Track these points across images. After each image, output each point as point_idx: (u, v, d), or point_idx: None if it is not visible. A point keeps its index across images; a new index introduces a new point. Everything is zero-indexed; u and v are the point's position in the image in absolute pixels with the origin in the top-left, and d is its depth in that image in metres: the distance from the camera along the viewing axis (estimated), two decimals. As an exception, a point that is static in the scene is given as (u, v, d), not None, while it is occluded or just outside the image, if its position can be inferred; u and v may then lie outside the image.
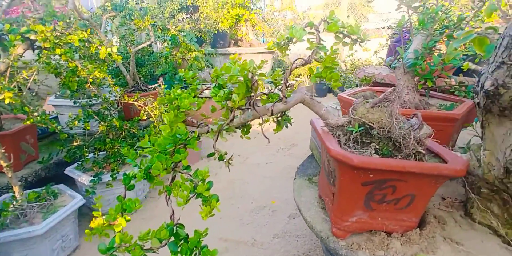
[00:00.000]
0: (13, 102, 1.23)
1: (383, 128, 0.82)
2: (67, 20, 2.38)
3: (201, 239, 0.79)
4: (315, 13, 8.03)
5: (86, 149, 1.83)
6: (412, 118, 0.85)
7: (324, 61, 0.77)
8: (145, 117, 2.03)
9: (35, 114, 1.48)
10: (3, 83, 1.31)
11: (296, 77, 5.80)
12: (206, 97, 1.02)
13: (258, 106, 0.85)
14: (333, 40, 0.83)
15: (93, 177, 1.78)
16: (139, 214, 2.06)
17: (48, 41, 1.57)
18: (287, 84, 0.80)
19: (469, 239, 0.87)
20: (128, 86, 2.82)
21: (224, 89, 0.82)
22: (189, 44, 3.00)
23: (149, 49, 3.29)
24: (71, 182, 1.93)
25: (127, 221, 0.84)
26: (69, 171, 1.92)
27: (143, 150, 0.82)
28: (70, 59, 1.71)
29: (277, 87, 0.91)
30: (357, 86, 3.68)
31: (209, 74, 3.83)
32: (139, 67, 3.11)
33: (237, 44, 4.51)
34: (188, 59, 3.10)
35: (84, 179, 1.81)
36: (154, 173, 0.78)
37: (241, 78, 0.72)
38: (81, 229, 1.82)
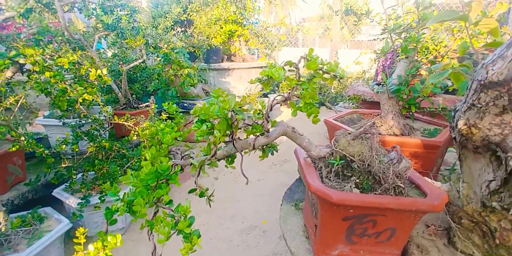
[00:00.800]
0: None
1: (363, 162, 0.84)
2: (60, 38, 2.41)
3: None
4: (309, 25, 8.19)
5: (74, 171, 1.82)
6: (391, 151, 0.86)
7: (304, 97, 0.79)
8: (135, 138, 2.03)
9: (22, 138, 1.48)
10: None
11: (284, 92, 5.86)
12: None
13: (241, 140, 0.85)
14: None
15: (81, 199, 1.76)
16: (128, 236, 2.03)
17: (38, 64, 1.58)
18: (268, 119, 0.81)
19: (451, 270, 0.88)
20: (119, 103, 2.83)
21: (207, 123, 0.83)
22: (181, 61, 3.03)
23: (142, 64, 3.32)
24: (59, 203, 1.91)
25: (108, 256, 0.83)
26: (57, 193, 1.89)
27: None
28: (59, 81, 1.72)
29: (256, 122, 0.92)
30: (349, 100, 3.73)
31: (202, 89, 3.86)
32: (131, 83, 3.12)
33: (230, 59, 4.57)
34: (180, 76, 3.13)
35: (72, 201, 1.79)
36: (136, 209, 0.78)
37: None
38: (68, 252, 1.79)
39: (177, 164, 0.87)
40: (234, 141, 0.77)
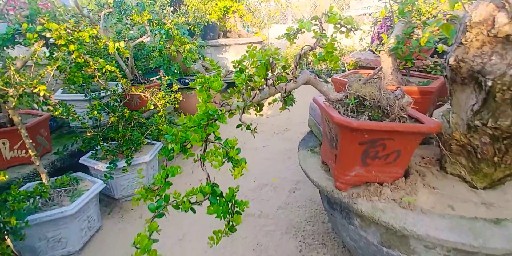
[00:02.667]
0: (47, 94, 1.36)
1: (374, 99, 1.03)
2: (61, 17, 2.47)
3: (234, 194, 0.98)
4: (298, 2, 8.16)
5: (101, 138, 1.97)
6: (396, 90, 1.06)
7: (326, 47, 0.96)
8: (152, 107, 2.18)
9: (57, 106, 1.61)
10: (31, 77, 1.43)
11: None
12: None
13: (274, 86, 1.03)
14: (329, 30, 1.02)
15: (109, 163, 1.93)
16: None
17: (62, 38, 1.69)
18: (297, 67, 0.99)
19: (443, 185, 1.10)
20: (127, 79, 2.93)
21: (245, 73, 1.00)
22: (182, 37, 3.12)
23: (143, 43, 3.39)
24: (84, 172, 2.07)
25: (170, 185, 1.01)
26: (84, 160, 2.05)
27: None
28: (81, 55, 1.83)
29: (285, 71, 1.10)
30: (343, 72, 3.91)
31: (202, 65, 3.97)
32: (135, 61, 3.21)
33: (226, 36, 4.64)
34: (182, 52, 3.23)
35: (100, 166, 1.96)
36: (193, 143, 0.96)
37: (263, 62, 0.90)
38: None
39: (220, 109, 1.04)
40: (271, 85, 0.95)
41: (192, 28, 4.17)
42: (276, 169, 2.55)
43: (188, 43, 3.18)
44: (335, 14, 0.94)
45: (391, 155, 1.03)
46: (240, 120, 0.99)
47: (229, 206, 0.96)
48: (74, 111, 1.69)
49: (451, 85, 1.01)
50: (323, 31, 0.95)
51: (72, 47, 1.73)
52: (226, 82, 4.64)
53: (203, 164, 1.01)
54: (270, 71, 0.95)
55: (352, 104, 1.05)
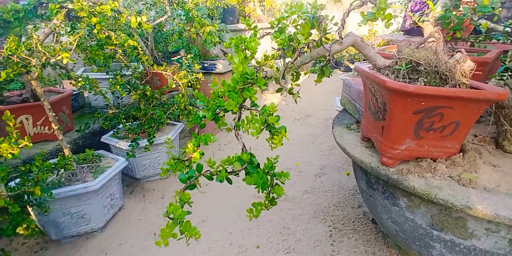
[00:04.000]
0: (70, 61, 1.31)
1: (430, 64, 0.91)
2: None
3: (273, 165, 0.90)
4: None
5: (122, 116, 1.92)
6: (454, 54, 0.93)
7: (379, 2, 0.84)
8: (174, 86, 2.11)
9: (80, 79, 1.56)
10: (54, 45, 1.38)
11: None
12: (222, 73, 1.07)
13: (315, 49, 0.93)
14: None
15: (131, 141, 1.88)
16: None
17: (84, 10, 1.62)
18: (344, 26, 0.88)
19: (504, 163, 0.98)
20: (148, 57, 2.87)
21: (284, 33, 0.90)
22: (202, 19, 3.03)
23: (161, 24, 3.32)
24: (106, 150, 2.04)
25: (202, 154, 0.94)
26: (106, 138, 2.02)
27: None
28: (103, 29, 1.77)
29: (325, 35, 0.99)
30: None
31: (221, 50, 3.87)
32: (155, 43, 3.14)
33: (245, 20, 4.51)
34: (202, 34, 3.14)
35: (122, 144, 1.92)
36: (228, 108, 0.87)
37: (308, 16, 0.79)
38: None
39: (258, 72, 0.95)
40: (313, 47, 0.85)
41: (210, 13, 4.06)
42: (299, 154, 2.46)
43: (208, 25, 3.09)
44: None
45: (448, 127, 0.91)
46: (280, 84, 0.90)
47: (268, 178, 0.88)
48: (96, 85, 1.63)
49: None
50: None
51: (94, 20, 1.67)
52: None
53: (238, 133, 0.93)
54: (316, 28, 0.84)
55: (403, 69, 0.94)
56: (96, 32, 1.78)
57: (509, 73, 1.22)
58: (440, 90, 0.82)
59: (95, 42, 1.95)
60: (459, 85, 0.89)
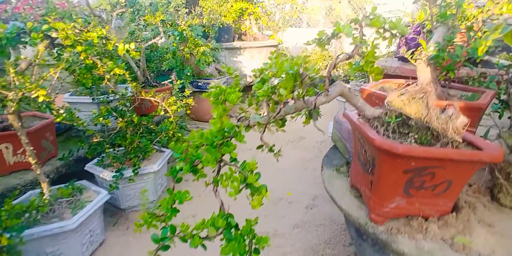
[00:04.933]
0: (46, 99, 1.25)
1: (421, 119, 0.86)
2: (74, 17, 2.38)
3: (252, 227, 0.83)
4: (312, 5, 8.01)
5: (107, 145, 1.86)
6: (446, 108, 0.89)
7: (366, 55, 0.80)
8: (162, 113, 2.05)
9: (61, 111, 1.50)
10: (30, 80, 1.32)
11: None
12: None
13: (300, 100, 0.88)
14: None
15: (115, 172, 1.81)
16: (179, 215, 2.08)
17: (69, 38, 1.58)
18: (330, 78, 0.83)
19: (500, 221, 0.92)
20: (138, 82, 2.83)
21: (267, 84, 0.85)
22: (196, 39, 3.01)
23: (155, 44, 3.30)
24: (90, 178, 1.97)
25: (177, 212, 0.87)
26: (90, 167, 1.94)
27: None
28: (89, 56, 1.73)
29: (313, 82, 0.94)
30: (363, 78, 3.71)
31: (215, 68, 3.85)
32: (147, 62, 3.11)
33: (241, 38, 4.51)
34: (195, 54, 3.11)
35: (106, 174, 1.84)
36: (204, 165, 0.81)
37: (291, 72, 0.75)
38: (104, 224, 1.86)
39: (237, 125, 0.90)
40: (298, 98, 0.80)
41: (206, 30, 4.06)
42: (291, 182, 2.39)
43: (202, 45, 3.07)
44: (378, 16, 0.79)
45: (440, 186, 0.86)
46: (261, 139, 0.84)
47: (247, 242, 0.82)
48: (78, 117, 1.57)
49: (519, 104, 0.83)
50: (363, 37, 0.79)
51: (79, 48, 1.62)
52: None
53: (216, 189, 0.87)
54: (298, 82, 0.79)
55: (393, 123, 0.89)
56: (82, 58, 1.74)
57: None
58: (430, 152, 0.77)
59: (84, 65, 1.91)
60: (451, 142, 0.84)
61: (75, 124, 1.55)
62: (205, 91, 3.75)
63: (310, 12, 7.03)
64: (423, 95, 0.91)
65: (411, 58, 1.39)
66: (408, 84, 1.50)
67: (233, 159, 0.84)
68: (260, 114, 1.05)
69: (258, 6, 4.29)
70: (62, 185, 1.72)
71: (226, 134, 0.84)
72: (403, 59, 2.47)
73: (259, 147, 0.85)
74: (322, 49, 0.89)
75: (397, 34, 0.84)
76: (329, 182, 1.18)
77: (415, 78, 1.60)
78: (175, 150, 0.89)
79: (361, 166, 1.00)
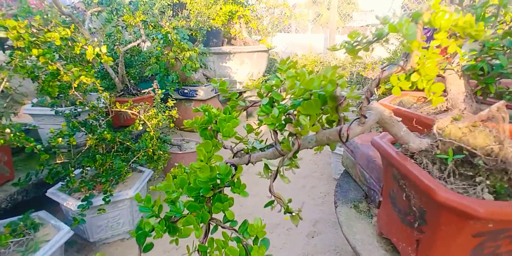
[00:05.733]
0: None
1: (492, 158, 0.61)
2: (45, 16, 2.07)
3: None
4: (300, 11, 7.88)
5: (72, 168, 1.55)
6: (526, 141, 0.64)
7: (425, 68, 0.55)
8: (141, 128, 1.76)
9: (8, 131, 1.20)
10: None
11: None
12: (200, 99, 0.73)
13: (324, 129, 0.62)
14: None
15: (82, 201, 1.50)
16: (160, 246, 1.77)
17: (22, 39, 1.28)
18: (370, 99, 0.57)
19: None
20: (116, 89, 2.52)
21: (279, 107, 0.59)
22: (182, 43, 2.73)
23: (138, 48, 3.00)
24: (55, 205, 1.65)
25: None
26: (52, 193, 1.62)
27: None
28: (50, 61, 1.43)
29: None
30: (358, 85, 3.51)
31: (203, 74, 3.56)
32: (127, 68, 2.81)
33: (230, 43, 4.26)
34: (181, 59, 2.83)
35: (71, 203, 1.53)
36: (185, 232, 0.54)
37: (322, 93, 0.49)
38: (68, 263, 1.54)
39: (235, 165, 0.63)
40: (340, 131, 0.53)
41: (194, 34, 3.78)
42: (289, 204, 2.12)
43: (188, 49, 2.79)
44: (444, 11, 0.54)
45: (520, 252, 0.61)
46: (270, 191, 0.58)
47: None
48: (29, 138, 1.26)
49: None
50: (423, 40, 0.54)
51: (35, 52, 1.32)
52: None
53: (204, 260, 0.59)
54: (329, 107, 0.53)
55: (451, 161, 0.64)
56: (43, 63, 1.44)
57: None
58: (525, 214, 0.52)
59: (49, 71, 1.60)
60: (537, 191, 0.59)
61: (26, 146, 1.25)
62: (191, 99, 3.46)
63: (298, 18, 6.88)
64: (486, 120, 0.66)
65: (441, 67, 1.16)
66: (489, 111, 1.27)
67: (229, 220, 0.57)
68: (261, 141, 0.79)
69: (248, 9, 4.05)
70: (14, 219, 1.40)
71: (218, 182, 0.57)
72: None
73: (268, 204, 0.58)
74: (354, 57, 0.63)
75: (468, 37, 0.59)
76: (349, 227, 0.92)
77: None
78: (144, 204, 0.61)
79: (398, 215, 0.75)
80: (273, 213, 1.98)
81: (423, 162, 0.67)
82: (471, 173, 0.63)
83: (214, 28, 3.86)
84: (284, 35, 7.31)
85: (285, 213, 0.56)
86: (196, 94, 3.33)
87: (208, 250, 0.57)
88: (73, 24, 1.76)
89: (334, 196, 1.11)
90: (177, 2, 4.10)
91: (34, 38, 1.33)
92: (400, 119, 0.67)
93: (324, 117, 0.61)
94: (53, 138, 1.42)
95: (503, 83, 1.24)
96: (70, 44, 1.54)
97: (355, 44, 0.60)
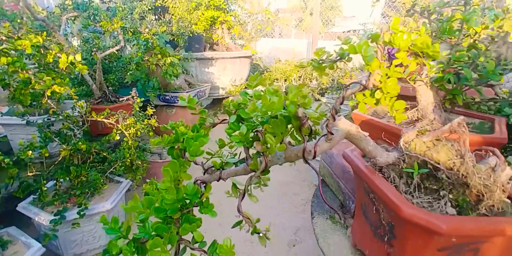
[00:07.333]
0: None
1: (455, 172, 0.64)
2: (18, 20, 2.00)
3: None
4: (284, 16, 7.98)
5: (44, 181, 1.49)
6: (486, 155, 0.67)
7: (386, 87, 0.57)
8: (118, 137, 1.72)
9: (-28, 144, 1.14)
10: None
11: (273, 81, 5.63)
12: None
13: (293, 145, 0.62)
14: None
15: (55, 215, 1.44)
16: None
17: (-11, 48, 1.23)
18: (335, 117, 0.58)
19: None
20: (94, 96, 2.46)
21: (247, 124, 0.59)
22: (163, 48, 2.70)
23: (117, 53, 2.95)
24: (26, 219, 1.58)
25: None
26: (23, 208, 1.55)
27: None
28: (20, 70, 1.38)
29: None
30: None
31: (185, 80, 3.54)
32: (106, 74, 2.75)
33: (212, 48, 4.25)
34: (162, 65, 2.80)
35: (43, 218, 1.46)
36: (152, 254, 0.53)
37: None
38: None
39: (205, 182, 0.62)
40: (304, 151, 0.54)
41: (175, 39, 3.75)
42: (270, 212, 2.12)
43: (169, 55, 2.77)
44: (401, 30, 0.56)
45: (483, 263, 0.63)
46: (238, 210, 0.57)
47: None
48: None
49: None
50: (384, 59, 0.56)
51: (4, 60, 1.28)
52: (212, 98, 4.24)
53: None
54: (294, 127, 0.54)
55: (416, 175, 0.65)
56: (12, 72, 1.39)
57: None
58: (486, 230, 0.54)
59: (20, 79, 1.54)
60: (496, 204, 0.62)
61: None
62: (173, 105, 3.42)
63: (281, 22, 6.96)
64: (452, 137, 0.68)
65: (409, 79, 1.19)
66: (406, 108, 1.30)
67: (197, 242, 0.56)
68: (235, 154, 0.79)
69: (230, 15, 4.06)
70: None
71: (186, 202, 0.56)
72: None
73: (236, 224, 0.58)
74: (321, 74, 0.64)
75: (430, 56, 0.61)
76: (324, 239, 0.93)
77: (404, 97, 1.41)
78: (110, 225, 0.60)
79: (371, 227, 0.76)
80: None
81: (391, 176, 0.69)
82: (435, 187, 0.65)
83: (196, 34, 3.84)
84: (268, 40, 7.36)
85: (252, 233, 0.55)
86: (178, 100, 3.29)
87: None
88: (45, 31, 1.70)
89: (311, 207, 1.12)
90: (160, 5, 4.06)
91: (2, 46, 1.28)
92: (367, 134, 0.68)
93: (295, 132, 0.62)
94: (23, 150, 1.37)
95: (469, 93, 1.29)
96: (42, 51, 1.50)
97: (321, 61, 0.61)
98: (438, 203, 0.62)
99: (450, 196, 0.63)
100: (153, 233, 0.56)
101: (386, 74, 0.58)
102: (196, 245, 0.56)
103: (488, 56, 1.17)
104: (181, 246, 0.59)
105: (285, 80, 5.07)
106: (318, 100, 4.51)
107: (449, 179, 0.64)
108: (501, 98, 1.29)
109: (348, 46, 0.51)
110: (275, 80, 5.61)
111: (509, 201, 0.62)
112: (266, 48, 6.82)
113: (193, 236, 0.56)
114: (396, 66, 0.57)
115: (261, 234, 0.55)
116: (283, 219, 2.04)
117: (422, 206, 0.62)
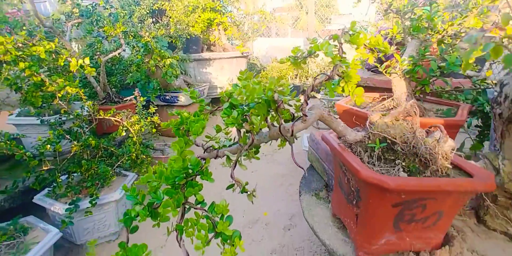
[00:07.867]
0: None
1: (407, 144, 0.78)
2: (24, 27, 2.14)
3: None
4: (280, 15, 8.12)
5: (59, 174, 1.63)
6: (433, 131, 0.82)
7: (347, 76, 0.71)
8: (124, 133, 1.87)
9: (-3, 139, 1.29)
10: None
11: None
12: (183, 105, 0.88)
13: (275, 126, 0.77)
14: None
15: (69, 204, 1.59)
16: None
17: (9, 53, 1.38)
18: (308, 102, 0.73)
19: (491, 249, 0.86)
20: (98, 98, 2.61)
21: (237, 110, 0.73)
22: (162, 51, 2.85)
23: (119, 56, 3.09)
24: (41, 211, 1.72)
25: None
26: (39, 199, 1.70)
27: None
28: (35, 73, 1.52)
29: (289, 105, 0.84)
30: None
31: (184, 81, 3.68)
32: (109, 76, 2.89)
33: (210, 49, 4.39)
34: (162, 67, 2.94)
35: (58, 207, 1.61)
36: (164, 212, 0.67)
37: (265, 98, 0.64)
38: (58, 264, 1.62)
39: (205, 158, 0.77)
40: (280, 128, 0.69)
41: (173, 41, 3.90)
42: (267, 200, 2.27)
43: (168, 57, 2.91)
44: (358, 32, 0.70)
45: (431, 218, 0.78)
46: (231, 176, 0.72)
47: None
48: (19, 145, 1.35)
49: (507, 125, 0.78)
50: (343, 55, 0.71)
51: (22, 65, 1.42)
52: (211, 98, 4.38)
53: (181, 238, 0.72)
54: (273, 109, 0.68)
55: (378, 148, 0.80)
56: (28, 75, 1.53)
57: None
58: (424, 185, 0.69)
59: (32, 82, 1.69)
60: (440, 169, 0.77)
61: (16, 153, 1.34)
62: (173, 105, 3.57)
63: (278, 22, 7.11)
64: (407, 116, 0.83)
65: (386, 71, 1.34)
66: (384, 98, 1.45)
67: (200, 202, 0.70)
68: (230, 139, 0.93)
69: (226, 16, 4.21)
70: (3, 224, 1.48)
71: (190, 171, 0.70)
72: (372, 70, 2.47)
73: (229, 187, 0.72)
74: (298, 68, 0.79)
75: (380, 52, 0.76)
76: (309, 211, 1.08)
77: (387, 89, 1.56)
78: (130, 193, 0.74)
79: (344, 196, 0.91)
80: (254, 209, 2.13)
81: (357, 151, 0.83)
82: (393, 157, 0.80)
83: (194, 35, 3.98)
84: (264, 40, 7.50)
85: (241, 192, 0.70)
86: (178, 100, 3.43)
87: (184, 228, 0.71)
88: (56, 38, 1.84)
89: (299, 187, 1.27)
90: (157, 9, 4.21)
91: (21, 52, 1.42)
92: (338, 116, 0.83)
93: (273, 116, 0.77)
94: (42, 145, 1.51)
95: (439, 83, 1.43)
96: (54, 56, 1.64)
97: (296, 58, 0.75)
98: (393, 169, 0.76)
99: (403, 163, 0.77)
100: (164, 197, 0.70)
101: (348, 66, 0.72)
102: (198, 206, 0.70)
103: (455, 50, 1.32)
104: (186, 208, 0.73)
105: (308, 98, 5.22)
106: (314, 96, 4.66)
107: (403, 150, 0.79)
108: (477, 87, 1.42)
109: (313, 45, 0.66)
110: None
111: (450, 167, 0.77)
112: (263, 48, 6.95)
113: (196, 198, 0.70)
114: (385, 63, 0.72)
115: (248, 192, 0.69)
116: (280, 206, 2.18)
117: (381, 172, 0.76)
